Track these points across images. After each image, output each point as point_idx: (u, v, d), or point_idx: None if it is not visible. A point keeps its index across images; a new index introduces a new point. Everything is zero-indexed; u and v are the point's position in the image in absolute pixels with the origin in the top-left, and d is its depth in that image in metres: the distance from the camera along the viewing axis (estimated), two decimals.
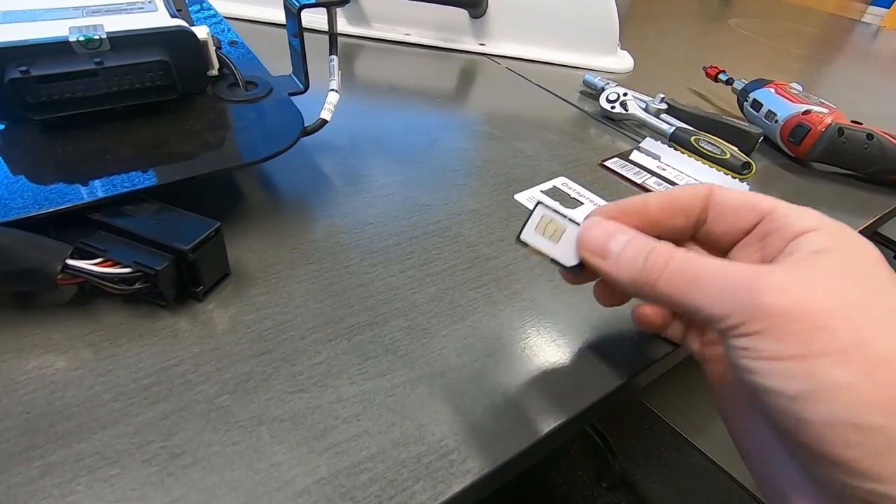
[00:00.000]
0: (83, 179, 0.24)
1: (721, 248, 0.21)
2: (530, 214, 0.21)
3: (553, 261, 0.21)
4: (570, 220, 0.20)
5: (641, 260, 0.18)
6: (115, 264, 0.22)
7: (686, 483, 0.98)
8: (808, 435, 0.14)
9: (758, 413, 0.19)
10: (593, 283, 0.23)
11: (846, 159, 0.44)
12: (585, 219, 0.20)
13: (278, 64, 0.34)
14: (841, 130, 0.43)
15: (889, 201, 0.44)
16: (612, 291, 0.23)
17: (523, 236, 0.21)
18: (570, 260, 0.20)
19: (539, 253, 0.21)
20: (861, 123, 0.45)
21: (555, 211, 0.21)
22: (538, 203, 0.21)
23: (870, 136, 0.43)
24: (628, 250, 0.19)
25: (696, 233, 0.21)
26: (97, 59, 0.26)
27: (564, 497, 0.95)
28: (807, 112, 0.45)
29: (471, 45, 0.61)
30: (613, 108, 0.49)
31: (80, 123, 0.27)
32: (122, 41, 0.26)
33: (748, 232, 0.19)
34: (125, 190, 0.24)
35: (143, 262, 0.22)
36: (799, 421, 0.14)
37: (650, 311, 0.23)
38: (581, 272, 0.21)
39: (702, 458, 0.78)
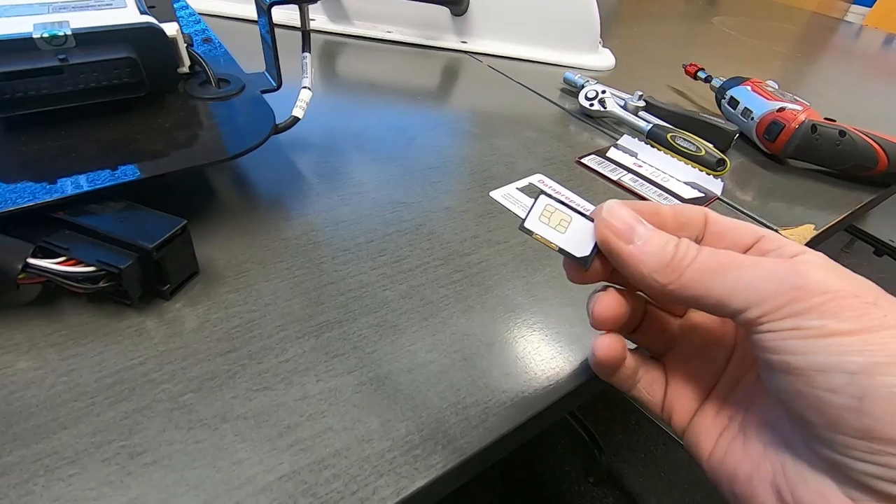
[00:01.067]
0: (47, 178, 0.24)
1: None
2: (533, 204, 0.20)
3: (561, 250, 0.19)
4: (577, 211, 0.20)
5: (671, 248, 0.17)
6: (78, 263, 0.22)
7: (672, 477, 0.99)
8: (871, 413, 0.14)
9: (760, 429, 0.18)
10: (580, 283, 0.21)
11: (819, 155, 0.45)
12: (604, 205, 0.19)
13: (253, 61, 0.34)
14: (814, 127, 0.44)
15: (861, 197, 0.45)
16: (592, 271, 0.20)
17: (527, 224, 0.20)
18: (580, 250, 0.19)
19: (545, 242, 0.20)
20: (834, 120, 0.45)
21: (559, 201, 0.20)
22: (540, 193, 0.20)
23: (842, 132, 0.44)
24: (656, 237, 0.18)
25: None
26: (62, 56, 0.25)
27: (552, 493, 0.95)
28: (781, 109, 0.46)
29: (452, 42, 0.61)
30: (592, 105, 0.49)
31: (45, 121, 0.27)
32: (88, 38, 0.26)
33: (747, 249, 0.19)
34: (89, 188, 0.23)
35: (106, 261, 0.22)
36: (862, 398, 0.14)
37: (615, 343, 0.21)
38: (589, 265, 0.19)
39: (687, 452, 0.79)
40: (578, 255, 0.19)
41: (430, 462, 0.20)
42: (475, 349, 0.25)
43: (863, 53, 1.05)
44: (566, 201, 0.20)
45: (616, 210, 0.19)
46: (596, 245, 0.19)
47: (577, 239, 0.19)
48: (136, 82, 0.28)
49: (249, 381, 0.21)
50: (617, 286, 0.21)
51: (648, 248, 0.18)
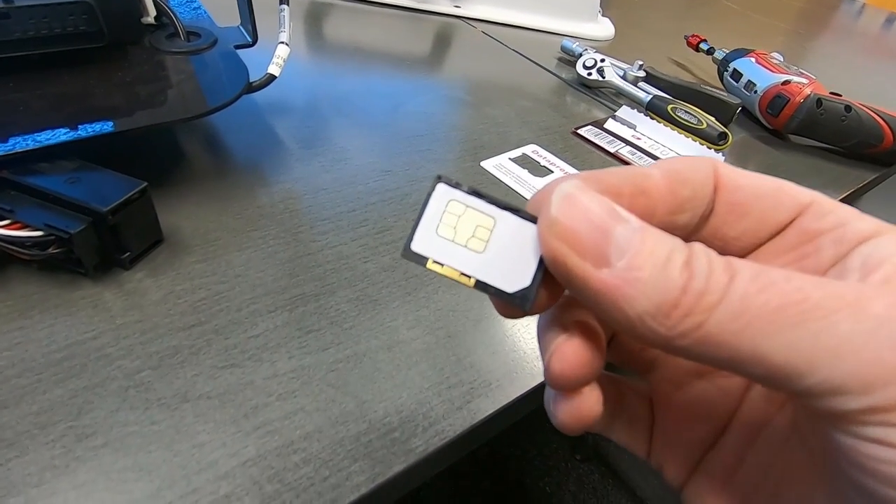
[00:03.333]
0: None
1: (729, 254, 0.12)
2: (426, 201, 0.12)
3: (479, 286, 0.11)
4: (505, 206, 0.11)
5: (678, 269, 0.10)
6: (24, 227, 0.20)
7: None
8: None
9: None
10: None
11: (823, 132, 0.43)
12: (554, 189, 0.11)
13: (227, 15, 0.32)
14: (820, 101, 0.42)
15: (864, 175, 0.43)
16: (537, 304, 0.12)
17: (416, 245, 0.11)
18: (513, 278, 0.11)
19: (450, 275, 0.11)
20: (840, 95, 0.43)
21: (473, 193, 0.11)
22: (438, 180, 0.12)
23: (848, 108, 0.42)
24: (650, 248, 0.10)
25: (697, 232, 0.13)
26: None
27: (539, 469, 0.96)
28: (786, 82, 0.44)
29: (445, 6, 0.57)
30: (590, 74, 0.47)
31: None
32: None
33: (784, 227, 0.12)
34: (35, 146, 0.21)
35: (55, 225, 0.20)
36: None
37: (593, 401, 0.12)
38: (531, 303, 0.11)
39: None
40: (511, 289, 0.11)
41: (409, 446, 0.18)
42: (461, 326, 0.23)
43: (864, 32, 1.03)
44: (483, 191, 0.11)
45: (576, 198, 0.10)
46: (540, 265, 0.11)
47: (507, 258, 0.11)
48: (93, 31, 0.25)
49: (215, 357, 0.20)
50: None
51: (639, 272, 0.10)
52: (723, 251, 0.11)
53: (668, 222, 0.12)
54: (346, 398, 0.19)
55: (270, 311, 0.22)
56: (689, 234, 0.13)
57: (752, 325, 0.09)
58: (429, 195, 0.12)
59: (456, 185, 0.11)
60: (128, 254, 0.22)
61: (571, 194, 0.10)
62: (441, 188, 0.11)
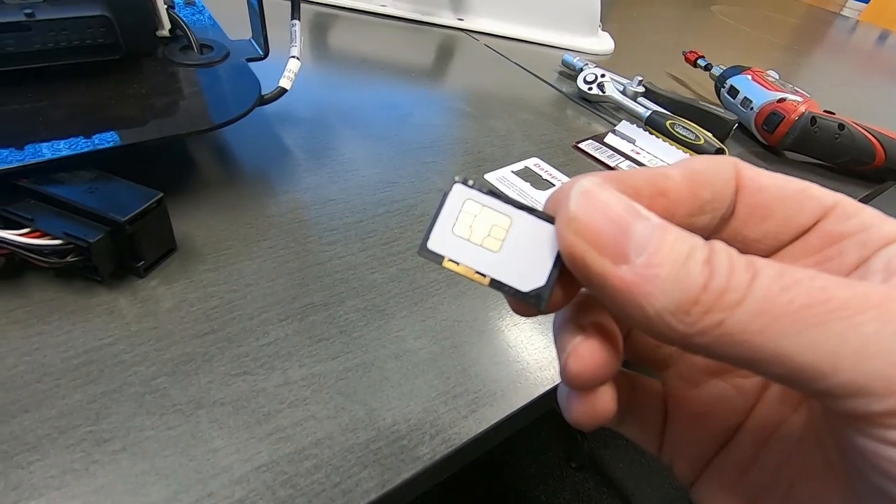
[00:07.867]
0: (9, 143, 0.22)
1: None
2: (442, 202, 0.12)
3: (494, 284, 0.12)
4: (521, 206, 0.12)
5: (699, 266, 0.10)
6: (43, 235, 0.21)
7: (652, 464, 1.00)
8: None
9: None
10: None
11: (817, 148, 0.45)
12: (573, 187, 0.11)
13: (239, 28, 0.32)
14: (814, 119, 0.43)
15: (856, 192, 0.44)
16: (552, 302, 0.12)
17: (432, 244, 0.12)
18: (529, 276, 0.12)
19: (466, 273, 0.12)
20: (834, 113, 0.45)
21: (489, 193, 0.12)
22: (454, 181, 0.12)
23: (841, 126, 0.43)
24: (670, 245, 0.10)
25: (717, 234, 0.13)
26: (28, 11, 0.24)
27: (534, 477, 0.96)
28: (781, 100, 0.45)
29: (449, 19, 0.59)
30: (591, 89, 0.48)
31: (9, 82, 0.25)
32: None
33: (803, 233, 0.12)
34: (54, 156, 0.22)
35: (74, 234, 0.20)
36: None
37: (607, 398, 0.12)
38: (546, 302, 0.12)
39: None
40: (526, 288, 0.12)
41: (417, 453, 0.19)
42: (466, 336, 0.24)
43: (858, 48, 1.05)
44: (499, 192, 0.12)
45: (595, 195, 0.11)
46: (557, 262, 0.12)
47: (523, 258, 0.12)
48: (110, 44, 0.26)
49: (227, 364, 0.20)
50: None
51: (658, 269, 0.10)
52: (743, 253, 0.11)
53: (688, 224, 0.12)
54: (355, 406, 0.20)
55: (281, 320, 0.22)
56: (708, 236, 0.13)
57: (775, 323, 0.09)
58: (445, 195, 0.12)
59: (472, 186, 0.12)
60: (142, 262, 0.23)
61: (590, 191, 0.11)
62: (458, 188, 0.12)
